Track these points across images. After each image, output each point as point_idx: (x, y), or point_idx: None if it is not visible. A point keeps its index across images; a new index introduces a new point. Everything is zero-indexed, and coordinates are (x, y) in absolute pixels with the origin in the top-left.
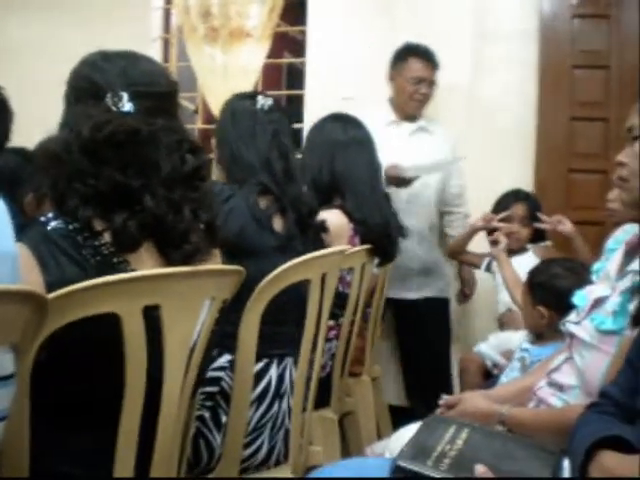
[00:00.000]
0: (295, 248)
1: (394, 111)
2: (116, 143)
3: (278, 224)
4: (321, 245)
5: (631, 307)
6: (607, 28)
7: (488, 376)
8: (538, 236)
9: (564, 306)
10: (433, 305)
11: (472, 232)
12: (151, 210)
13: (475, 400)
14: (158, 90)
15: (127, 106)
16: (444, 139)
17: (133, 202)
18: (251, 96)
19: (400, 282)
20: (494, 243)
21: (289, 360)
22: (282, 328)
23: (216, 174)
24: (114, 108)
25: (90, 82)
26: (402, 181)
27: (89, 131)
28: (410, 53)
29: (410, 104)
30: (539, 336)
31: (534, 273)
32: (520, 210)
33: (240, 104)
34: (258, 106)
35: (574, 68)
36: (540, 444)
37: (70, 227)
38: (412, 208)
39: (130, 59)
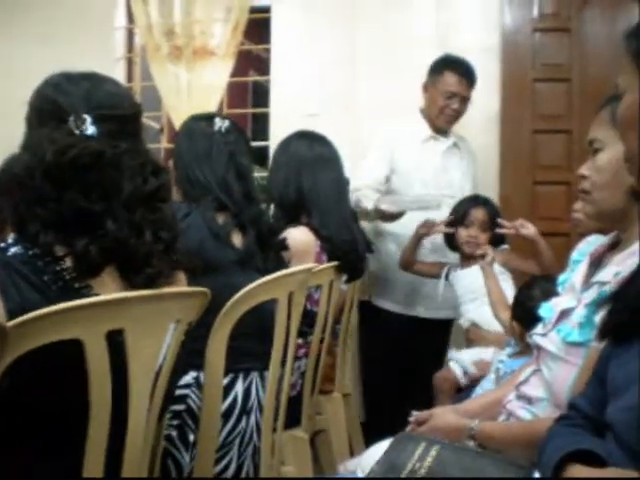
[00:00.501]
0: (255, 264)
1: (426, 123)
2: (80, 167)
3: (237, 240)
4: (282, 263)
5: (597, 319)
6: (568, 41)
7: (460, 390)
8: (497, 240)
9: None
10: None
11: (416, 239)
12: (113, 234)
13: (445, 416)
14: (121, 113)
15: (90, 129)
16: (472, 157)
17: (95, 226)
18: (208, 118)
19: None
20: (482, 256)
21: (255, 375)
22: (247, 342)
23: (174, 194)
24: (77, 131)
25: (53, 104)
26: (389, 216)
27: (52, 155)
28: (447, 66)
29: (440, 118)
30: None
31: (520, 288)
32: (479, 214)
33: (197, 125)
34: (215, 128)
35: (536, 81)
36: (510, 459)
37: (30, 252)
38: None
39: (94, 81)
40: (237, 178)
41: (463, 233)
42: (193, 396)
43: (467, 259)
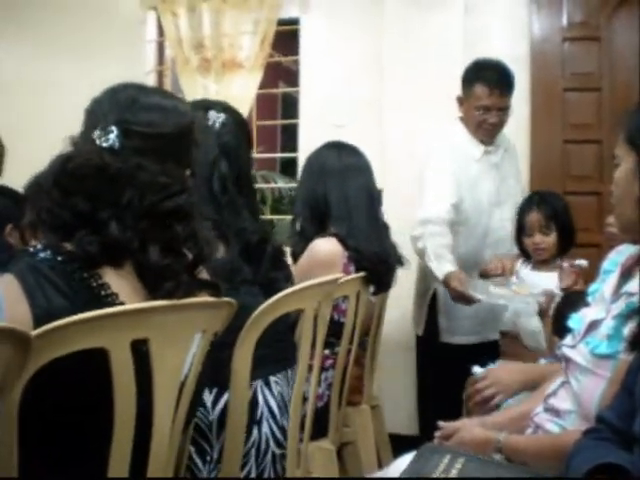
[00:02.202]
0: (243, 277)
1: (473, 137)
2: (83, 176)
3: (220, 252)
4: (281, 269)
5: (625, 330)
6: (597, 50)
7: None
8: (566, 239)
9: None
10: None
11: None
12: (115, 234)
13: (471, 429)
14: (156, 131)
15: (111, 141)
16: (515, 153)
17: (100, 229)
18: (205, 108)
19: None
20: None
21: (258, 383)
22: (254, 352)
23: None
24: (98, 141)
25: (92, 110)
26: (466, 299)
27: (60, 161)
28: (477, 77)
29: (479, 132)
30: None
31: (561, 302)
32: (533, 219)
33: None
34: (209, 122)
35: (566, 91)
36: (535, 471)
37: (59, 258)
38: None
39: (140, 94)
40: (221, 185)
41: (528, 242)
42: (199, 411)
43: (539, 263)
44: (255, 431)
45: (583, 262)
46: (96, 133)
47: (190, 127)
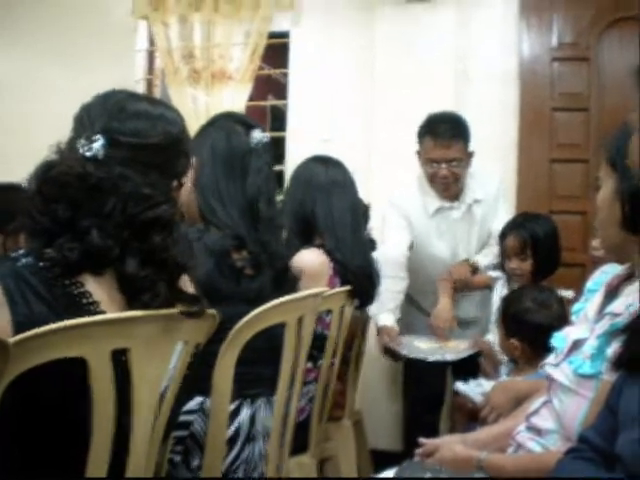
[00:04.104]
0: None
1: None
2: (62, 184)
3: (250, 273)
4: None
5: (609, 351)
6: (586, 71)
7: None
8: (544, 266)
9: (536, 340)
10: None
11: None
12: (95, 242)
13: (453, 447)
14: (143, 142)
15: (94, 151)
16: (490, 213)
17: (81, 235)
18: (246, 124)
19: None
20: None
21: (262, 401)
22: (254, 368)
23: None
24: (81, 150)
25: (80, 117)
26: (391, 353)
27: (42, 169)
28: (426, 131)
29: (435, 187)
30: (516, 362)
31: (507, 303)
32: (510, 243)
33: (234, 127)
34: (253, 140)
35: (554, 110)
36: None
37: (41, 264)
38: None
39: (128, 102)
40: (268, 204)
41: (506, 265)
42: (199, 421)
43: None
44: (248, 448)
45: (569, 293)
46: (81, 142)
47: (179, 137)
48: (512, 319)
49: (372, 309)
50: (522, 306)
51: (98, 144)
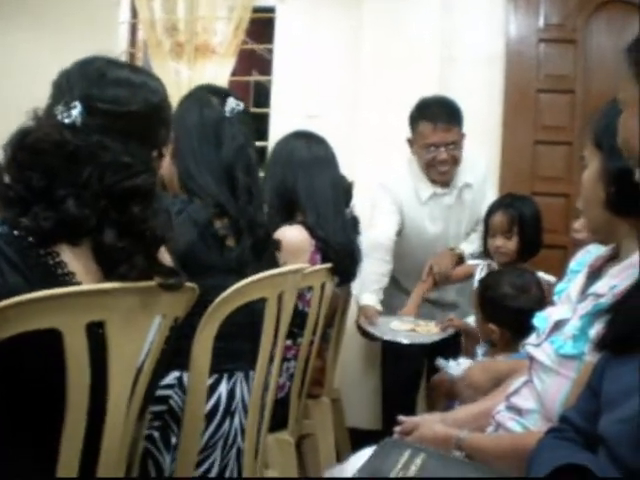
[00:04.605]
0: (249, 272)
1: (425, 177)
2: (40, 151)
3: (231, 243)
4: (276, 266)
5: (592, 331)
6: (573, 53)
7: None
8: (530, 246)
9: (514, 325)
10: None
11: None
12: (71, 212)
13: (432, 425)
14: (122, 109)
15: (73, 118)
16: (480, 198)
17: (57, 205)
18: (221, 94)
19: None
20: None
21: (239, 375)
22: (232, 343)
23: (173, 182)
24: (59, 117)
25: (59, 82)
26: (370, 335)
27: (18, 136)
28: (420, 115)
29: (432, 172)
30: (492, 344)
31: (484, 287)
32: (496, 221)
33: (207, 98)
34: (227, 108)
35: (539, 92)
36: (498, 471)
37: (16, 233)
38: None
39: (109, 69)
40: (245, 172)
41: (490, 243)
42: (175, 397)
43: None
44: (227, 423)
45: (551, 278)
46: (59, 108)
47: (160, 105)
48: (490, 304)
49: (355, 288)
50: (500, 291)
51: (76, 111)
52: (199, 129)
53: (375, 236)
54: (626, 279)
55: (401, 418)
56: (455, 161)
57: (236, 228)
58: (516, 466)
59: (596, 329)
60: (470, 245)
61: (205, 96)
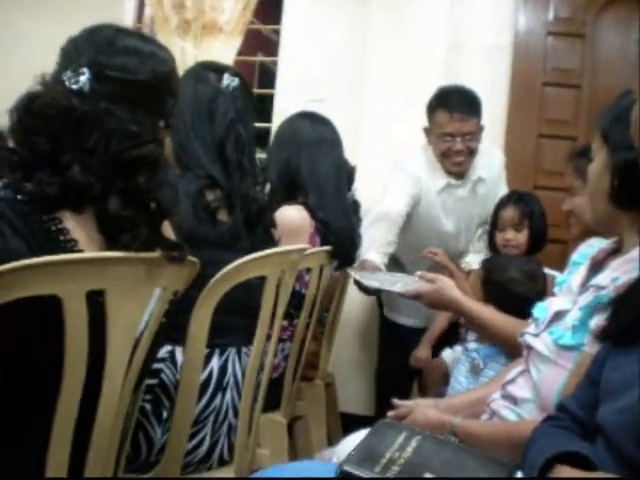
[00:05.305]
0: (241, 246)
1: (441, 167)
2: (47, 117)
3: (224, 217)
4: (271, 242)
5: (592, 323)
6: (581, 47)
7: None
8: (539, 240)
9: (516, 311)
10: None
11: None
12: (76, 178)
13: (425, 411)
14: (131, 78)
15: (80, 84)
16: (493, 191)
17: (62, 170)
18: (217, 70)
19: None
20: None
21: (232, 351)
22: (225, 318)
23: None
24: (67, 83)
25: (67, 49)
26: (364, 289)
27: (25, 100)
28: (438, 104)
29: (447, 163)
30: None
31: (491, 269)
32: (508, 215)
33: (204, 74)
34: (223, 84)
35: (545, 85)
36: (493, 456)
37: (19, 197)
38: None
39: (118, 36)
40: (236, 147)
41: (499, 237)
42: (167, 371)
43: None
44: (219, 398)
45: (556, 273)
46: (67, 74)
47: (168, 76)
48: (495, 285)
49: (361, 249)
50: (507, 275)
51: (84, 77)
52: (193, 104)
53: (385, 209)
54: (628, 272)
55: (395, 402)
56: (471, 152)
57: (228, 201)
58: (510, 454)
59: (596, 321)
60: (477, 257)
61: (201, 72)
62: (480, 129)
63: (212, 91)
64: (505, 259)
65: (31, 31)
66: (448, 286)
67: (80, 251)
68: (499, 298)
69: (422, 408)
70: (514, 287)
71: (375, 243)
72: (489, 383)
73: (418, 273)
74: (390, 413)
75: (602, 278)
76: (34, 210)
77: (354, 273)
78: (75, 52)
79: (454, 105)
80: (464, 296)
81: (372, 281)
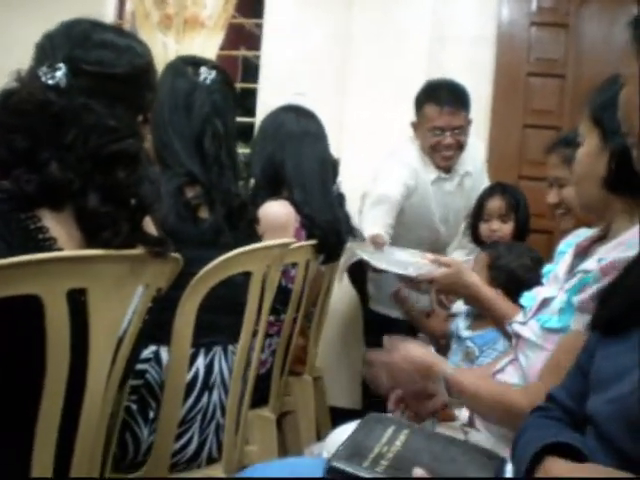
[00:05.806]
0: (224, 242)
1: (430, 161)
2: (21, 112)
3: (205, 214)
4: (255, 237)
5: (575, 299)
6: (565, 38)
7: None
8: (523, 230)
9: (517, 296)
10: None
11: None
12: (54, 175)
13: (422, 350)
14: (107, 72)
15: (57, 79)
16: (476, 187)
17: (41, 168)
18: (195, 63)
19: None
20: None
21: (217, 349)
22: (210, 316)
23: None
24: (44, 78)
25: (43, 45)
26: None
27: (1, 97)
28: (427, 98)
29: (436, 157)
30: (475, 317)
31: (499, 255)
32: (495, 205)
33: (182, 68)
34: (200, 77)
35: (529, 75)
36: (483, 449)
37: None
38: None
39: (94, 31)
40: (213, 141)
41: (484, 227)
42: (152, 371)
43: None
44: (205, 397)
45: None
46: (43, 69)
47: (145, 69)
48: (502, 271)
49: (364, 227)
50: (519, 261)
51: (61, 72)
52: (170, 98)
53: (385, 191)
54: (615, 256)
55: (387, 338)
56: (460, 146)
57: (208, 197)
58: (492, 415)
59: (580, 297)
60: (463, 252)
61: (180, 66)
62: (468, 123)
63: (189, 85)
64: (511, 246)
65: (8, 30)
66: (465, 270)
67: (59, 249)
68: (506, 283)
69: (418, 347)
70: (524, 273)
71: (379, 221)
72: (478, 375)
73: (429, 256)
74: (371, 354)
75: (589, 263)
76: (12, 209)
77: (361, 252)
78: (51, 47)
79: (444, 99)
80: (481, 281)
81: (381, 262)
